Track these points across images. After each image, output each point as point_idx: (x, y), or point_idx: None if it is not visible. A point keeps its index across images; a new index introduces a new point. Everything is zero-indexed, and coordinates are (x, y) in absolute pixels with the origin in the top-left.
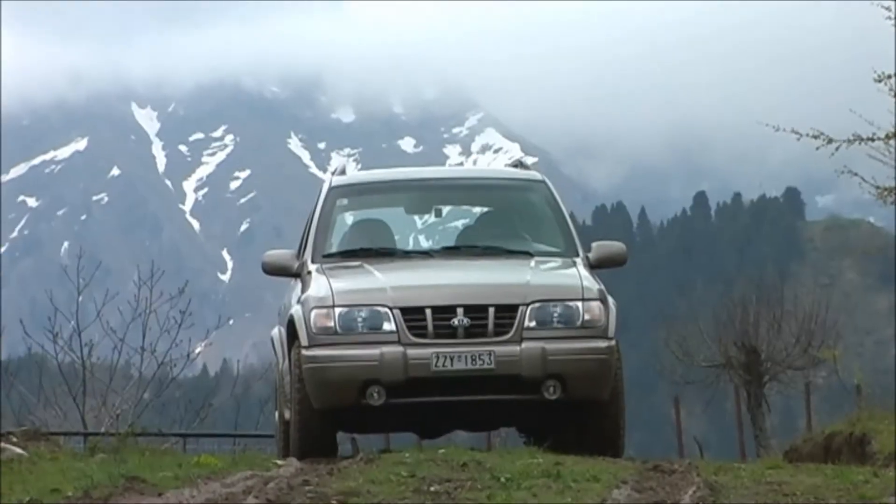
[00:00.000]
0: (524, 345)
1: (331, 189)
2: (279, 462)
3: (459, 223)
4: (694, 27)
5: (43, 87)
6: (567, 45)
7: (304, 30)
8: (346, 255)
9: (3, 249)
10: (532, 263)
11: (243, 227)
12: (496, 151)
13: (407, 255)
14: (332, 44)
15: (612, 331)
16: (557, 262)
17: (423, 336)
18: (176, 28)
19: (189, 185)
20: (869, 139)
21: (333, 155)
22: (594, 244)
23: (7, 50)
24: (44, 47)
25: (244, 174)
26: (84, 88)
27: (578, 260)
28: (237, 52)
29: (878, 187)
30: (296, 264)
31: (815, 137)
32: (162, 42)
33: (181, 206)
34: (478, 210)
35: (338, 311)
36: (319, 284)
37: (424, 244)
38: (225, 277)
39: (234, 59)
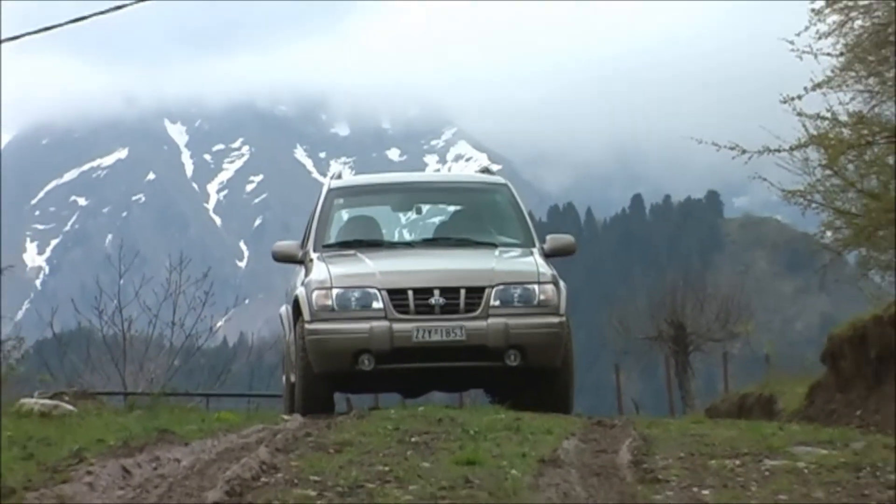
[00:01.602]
0: (490, 320)
1: (329, 191)
2: (286, 417)
3: (436, 219)
4: (633, 57)
5: (92, 105)
6: (528, 72)
7: (309, 58)
8: (342, 245)
9: (57, 241)
10: (496, 253)
11: (257, 222)
12: (467, 160)
13: (393, 245)
14: (331, 70)
15: (563, 308)
16: (517, 251)
17: (406, 313)
18: (203, 57)
19: (212, 187)
20: (776, 150)
21: (332, 163)
22: (548, 237)
23: (63, 73)
24: (93, 71)
25: (258, 178)
26: (126, 106)
27: (535, 250)
28: (253, 77)
29: (784, 190)
30: (300, 253)
31: (732, 149)
32: (190, 69)
33: (205, 205)
34: (452, 208)
35: (335, 291)
36: (320, 270)
37: (407, 236)
38: (242, 264)
39: (250, 82)
